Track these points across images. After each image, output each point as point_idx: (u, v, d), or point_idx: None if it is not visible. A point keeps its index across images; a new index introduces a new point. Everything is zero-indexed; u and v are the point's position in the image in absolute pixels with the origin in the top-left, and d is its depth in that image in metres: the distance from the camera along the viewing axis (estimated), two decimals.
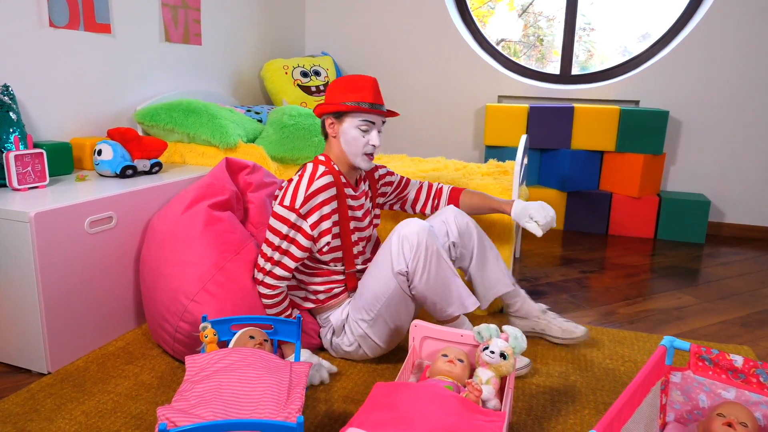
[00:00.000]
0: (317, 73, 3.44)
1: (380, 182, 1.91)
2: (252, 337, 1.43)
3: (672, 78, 3.40)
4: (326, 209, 1.63)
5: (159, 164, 2.20)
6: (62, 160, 2.08)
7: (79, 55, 2.26)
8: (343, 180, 1.71)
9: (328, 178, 1.63)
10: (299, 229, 1.61)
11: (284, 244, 1.61)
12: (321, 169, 1.64)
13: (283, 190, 1.64)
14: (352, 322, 1.67)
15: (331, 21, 3.97)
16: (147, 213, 1.94)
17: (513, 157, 3.46)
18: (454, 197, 1.98)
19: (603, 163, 3.42)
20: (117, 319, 1.88)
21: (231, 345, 1.43)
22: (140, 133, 2.52)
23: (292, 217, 1.59)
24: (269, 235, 1.62)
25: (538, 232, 1.79)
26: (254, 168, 1.97)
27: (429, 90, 3.87)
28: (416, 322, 1.50)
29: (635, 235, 3.38)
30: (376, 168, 1.92)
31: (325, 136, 1.73)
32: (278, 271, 1.62)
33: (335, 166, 1.70)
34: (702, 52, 3.32)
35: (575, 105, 3.37)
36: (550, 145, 3.39)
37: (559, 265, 2.81)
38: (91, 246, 1.74)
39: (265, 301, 1.65)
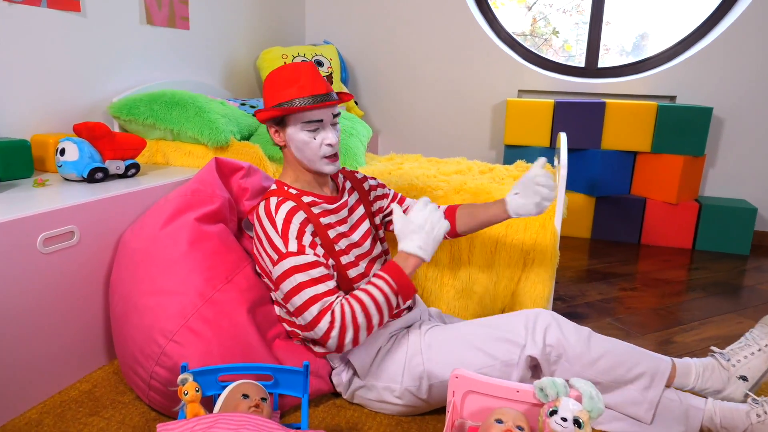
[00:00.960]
0: (320, 64, 3.10)
1: (372, 194, 1.61)
2: (245, 396, 1.09)
3: (713, 71, 3.07)
4: (309, 230, 1.34)
5: (136, 166, 1.85)
6: (19, 161, 1.73)
7: (42, 36, 1.91)
8: (308, 199, 1.40)
9: (286, 207, 1.33)
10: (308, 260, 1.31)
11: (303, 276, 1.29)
12: (273, 201, 1.34)
13: (265, 248, 1.34)
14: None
15: (335, 7, 3.63)
16: (119, 226, 1.60)
17: (535, 158, 3.13)
18: (451, 216, 1.61)
19: (636, 165, 3.09)
20: (82, 355, 1.54)
21: (218, 406, 1.09)
22: (116, 129, 2.17)
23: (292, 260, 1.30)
24: (287, 286, 1.29)
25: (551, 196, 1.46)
26: (250, 170, 1.63)
27: (442, 83, 3.53)
28: (458, 371, 1.16)
29: (671, 245, 3.05)
30: (365, 179, 1.62)
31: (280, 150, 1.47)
32: (324, 287, 1.28)
33: (293, 187, 1.42)
34: (747, 42, 3.00)
35: (606, 101, 3.04)
36: (577, 144, 3.06)
37: (594, 280, 2.48)
38: (46, 268, 1.40)
39: (361, 322, 1.27)
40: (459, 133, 3.57)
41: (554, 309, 2.07)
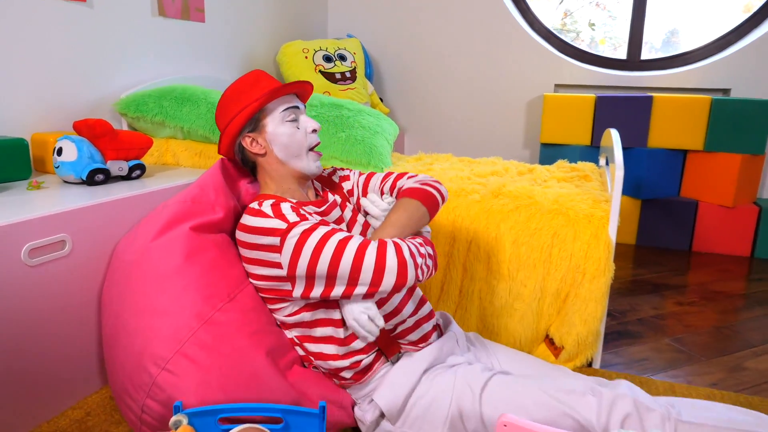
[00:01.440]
0: (342, 58, 2.91)
1: (345, 186, 1.45)
2: None
3: None
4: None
5: (141, 167, 1.69)
6: (16, 162, 1.58)
7: (44, 27, 1.76)
8: (301, 210, 1.24)
9: (270, 200, 1.20)
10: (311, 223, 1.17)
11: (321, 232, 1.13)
12: (254, 204, 1.20)
13: (260, 246, 1.18)
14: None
15: None
16: (119, 234, 1.43)
17: (574, 158, 2.90)
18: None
19: (687, 164, 2.84)
20: (74, 379, 1.37)
21: None
22: (124, 128, 2.01)
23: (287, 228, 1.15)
24: (307, 252, 1.12)
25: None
26: None
27: (472, 78, 3.32)
28: (506, 419, 0.96)
29: (727, 253, 2.79)
30: (333, 171, 1.47)
31: (251, 167, 1.34)
32: (354, 246, 1.11)
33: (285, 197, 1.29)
34: None
35: (653, 95, 2.79)
36: (622, 142, 2.81)
37: (644, 293, 2.24)
38: (32, 282, 1.24)
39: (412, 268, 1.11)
40: (490, 131, 3.35)
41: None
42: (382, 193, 1.40)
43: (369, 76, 3.13)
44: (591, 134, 2.88)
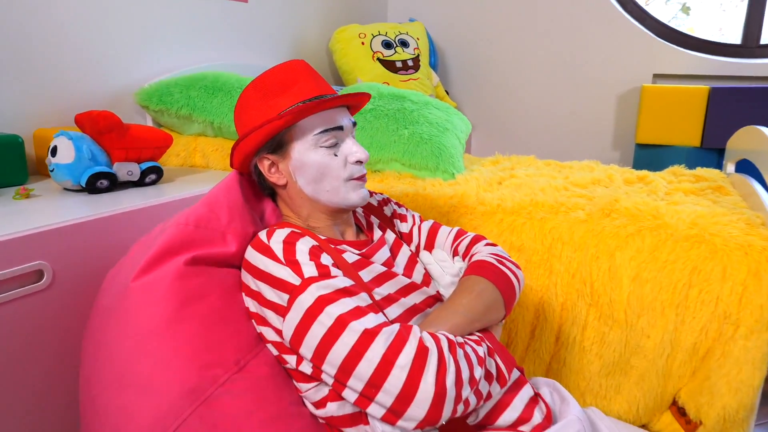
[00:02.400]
0: (404, 44, 2.54)
1: (399, 227, 1.12)
2: None
3: None
4: (326, 258, 0.86)
5: (157, 170, 1.37)
6: (9, 163, 1.30)
7: (52, 5, 1.47)
8: (330, 246, 0.90)
9: (284, 232, 0.86)
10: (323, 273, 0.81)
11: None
12: (263, 234, 0.88)
13: (267, 301, 0.84)
14: None
15: None
16: (116, 261, 1.11)
17: (679, 162, 2.41)
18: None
19: None
20: None
21: None
22: (149, 123, 1.71)
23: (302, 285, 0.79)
24: (318, 331, 0.76)
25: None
26: None
27: (553, 68, 2.87)
28: None
29: None
30: (385, 201, 1.14)
31: (271, 193, 1.01)
32: (377, 319, 0.77)
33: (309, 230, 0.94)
34: None
35: None
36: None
37: None
38: None
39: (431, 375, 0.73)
40: (573, 129, 2.90)
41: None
42: (455, 254, 1.04)
43: (433, 65, 2.75)
44: (702, 133, 2.39)
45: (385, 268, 0.92)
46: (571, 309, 1.29)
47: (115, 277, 0.92)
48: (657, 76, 2.71)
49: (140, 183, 1.35)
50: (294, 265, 0.80)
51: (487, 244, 1.01)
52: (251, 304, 0.86)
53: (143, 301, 0.84)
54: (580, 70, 2.82)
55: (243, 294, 0.89)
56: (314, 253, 0.82)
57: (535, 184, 1.51)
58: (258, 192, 1.05)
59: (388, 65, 2.45)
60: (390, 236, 1.02)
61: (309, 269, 0.79)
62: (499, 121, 3.05)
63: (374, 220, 1.04)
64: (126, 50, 1.68)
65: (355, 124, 0.94)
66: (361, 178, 0.93)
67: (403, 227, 1.08)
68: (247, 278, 0.86)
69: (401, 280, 0.91)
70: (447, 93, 2.84)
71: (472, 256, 0.98)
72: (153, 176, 1.37)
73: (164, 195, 1.30)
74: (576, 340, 1.28)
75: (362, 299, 0.79)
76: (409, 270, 0.98)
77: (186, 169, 1.63)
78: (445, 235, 1.06)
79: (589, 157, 2.85)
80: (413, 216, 1.11)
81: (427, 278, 0.98)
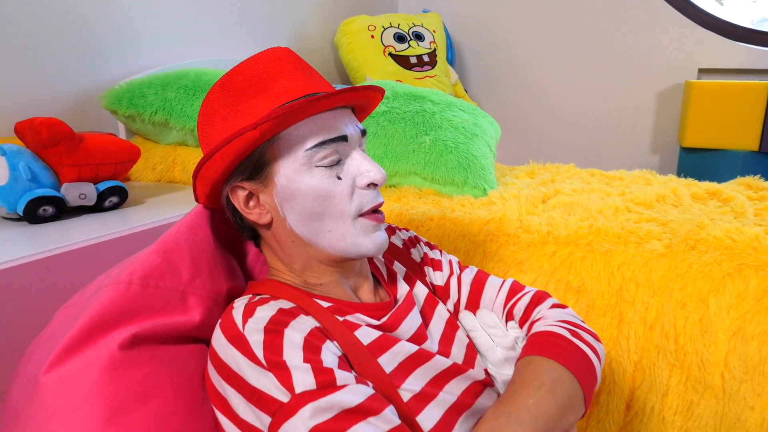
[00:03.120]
0: (419, 37, 2.26)
1: (431, 275, 0.81)
2: None
3: None
4: (330, 348, 0.58)
5: (119, 192, 1.10)
6: None
7: None
8: (337, 321, 0.63)
9: (267, 308, 0.59)
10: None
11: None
12: (238, 307, 0.61)
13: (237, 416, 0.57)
14: None
15: None
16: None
17: (733, 169, 2.12)
18: None
19: None
20: None
21: None
22: (121, 133, 1.44)
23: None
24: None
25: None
26: None
27: (583, 63, 2.58)
28: None
29: None
30: (412, 240, 0.85)
31: (253, 236, 0.71)
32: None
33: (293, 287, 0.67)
34: None
35: None
36: None
37: None
38: None
39: None
40: (606, 131, 2.60)
41: None
42: (508, 318, 0.76)
43: (451, 61, 2.46)
44: (761, 136, 2.09)
45: (415, 347, 0.63)
46: (647, 370, 1.00)
47: (29, 361, 0.64)
48: (703, 71, 2.41)
49: (98, 208, 1.08)
50: (280, 369, 0.52)
51: (554, 306, 0.73)
52: (217, 414, 0.58)
53: (56, 406, 0.57)
54: (614, 65, 2.52)
55: (209, 393, 0.61)
56: (312, 347, 0.54)
57: (590, 203, 1.22)
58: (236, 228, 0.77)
59: (402, 61, 2.16)
60: (421, 291, 0.73)
61: (303, 377, 0.51)
62: (523, 123, 2.75)
63: (398, 267, 0.76)
64: (92, 44, 1.40)
65: (364, 132, 0.67)
66: (377, 213, 0.64)
67: (437, 278, 0.80)
68: (212, 374, 0.58)
69: (439, 363, 0.63)
70: (466, 92, 2.55)
71: (534, 323, 0.70)
72: (114, 199, 1.09)
73: (129, 223, 1.03)
74: (654, 410, 0.99)
75: (386, 420, 0.51)
76: (447, 343, 0.69)
77: (162, 185, 1.36)
78: (494, 290, 0.78)
79: (625, 163, 2.56)
80: (450, 262, 0.82)
81: (471, 352, 0.70)
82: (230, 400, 0.55)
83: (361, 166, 0.63)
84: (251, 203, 0.64)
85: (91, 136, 1.06)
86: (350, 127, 0.64)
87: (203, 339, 0.67)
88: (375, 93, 0.68)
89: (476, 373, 0.67)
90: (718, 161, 2.19)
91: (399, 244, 0.81)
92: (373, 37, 2.17)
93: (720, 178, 2.20)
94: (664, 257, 1.01)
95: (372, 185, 0.63)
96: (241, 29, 1.90)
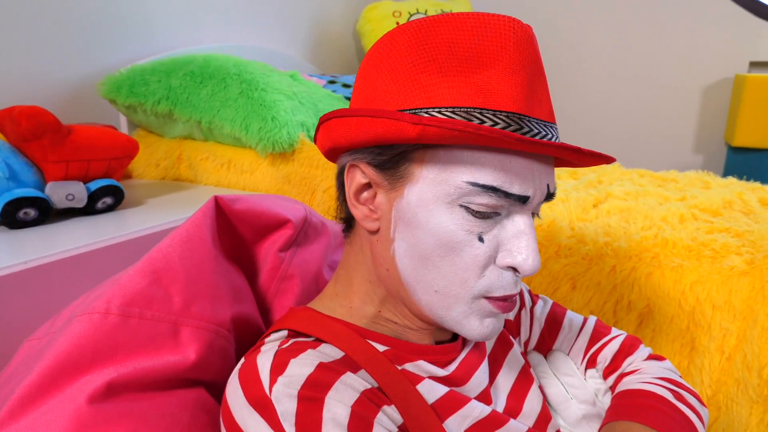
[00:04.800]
0: None
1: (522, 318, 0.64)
2: None
3: None
4: (383, 424, 0.42)
5: (114, 191, 0.97)
6: None
7: None
8: (396, 372, 0.46)
9: (304, 363, 0.42)
10: None
11: None
12: (304, 364, 0.43)
13: None
14: None
15: None
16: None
17: None
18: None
19: None
20: None
21: None
22: (123, 127, 1.31)
23: None
24: None
25: None
26: (308, 223, 0.67)
27: (621, 55, 2.41)
28: None
29: None
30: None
31: (347, 223, 0.52)
32: None
33: (346, 323, 0.50)
34: None
35: None
36: None
37: None
38: None
39: None
40: (646, 129, 2.43)
41: None
42: (589, 366, 0.62)
43: None
44: None
45: (488, 409, 0.49)
46: (724, 406, 0.86)
47: None
48: (755, 64, 2.23)
49: (89, 210, 0.95)
50: None
51: (651, 357, 0.58)
52: None
53: None
54: (657, 57, 2.35)
55: None
56: (361, 423, 0.40)
57: (649, 209, 1.06)
58: (239, 237, 0.63)
59: None
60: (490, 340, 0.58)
61: None
62: (560, 119, 2.59)
63: None
64: (91, 27, 1.27)
65: (552, 195, 0.47)
66: (504, 304, 0.46)
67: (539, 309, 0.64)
68: None
69: (512, 430, 0.49)
70: None
71: (624, 376, 0.56)
72: (108, 200, 0.96)
73: (126, 227, 0.90)
74: None
75: None
76: (517, 398, 0.54)
77: (167, 184, 1.23)
78: (574, 330, 0.62)
79: (666, 163, 2.39)
80: (520, 291, 0.64)
81: (546, 412, 0.55)
82: None
83: (518, 240, 0.44)
84: (364, 195, 0.48)
85: (80, 128, 0.93)
86: (540, 185, 0.45)
87: (201, 381, 0.54)
88: (604, 160, 0.48)
89: None
90: (764, 161, 2.01)
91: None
92: (398, 23, 2.02)
93: None
94: (746, 275, 0.86)
95: (513, 270, 0.45)
96: (255, 14, 1.76)
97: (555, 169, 1.41)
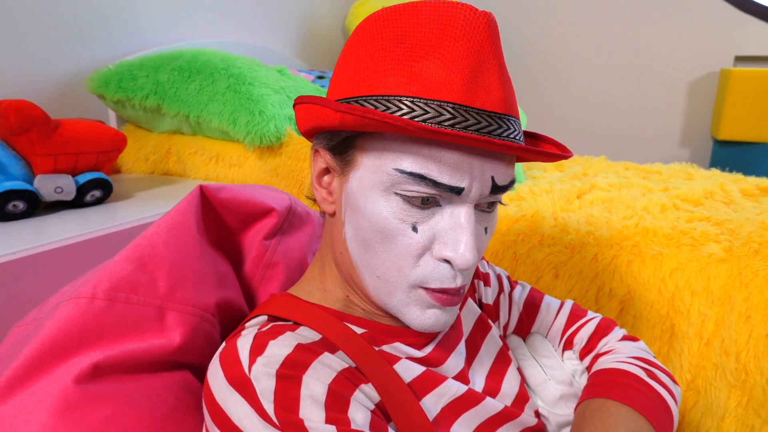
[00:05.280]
0: None
1: (479, 290, 0.64)
2: None
3: None
4: (359, 399, 0.43)
5: (102, 184, 0.98)
6: None
7: None
8: (373, 352, 0.48)
9: (283, 344, 0.44)
10: None
11: None
12: (283, 344, 0.44)
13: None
14: None
15: None
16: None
17: None
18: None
19: None
20: None
21: None
22: (112, 122, 1.32)
23: None
24: None
25: None
26: (292, 212, 0.68)
27: (609, 50, 2.43)
28: None
29: None
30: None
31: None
32: None
33: (324, 307, 0.51)
34: None
35: None
36: None
37: None
38: None
39: None
40: (634, 122, 2.45)
41: None
42: (566, 347, 0.63)
43: None
44: None
45: (464, 388, 0.50)
46: (702, 390, 0.88)
47: None
48: (740, 59, 2.26)
49: (77, 203, 0.96)
50: (295, 429, 0.39)
51: (625, 338, 0.60)
52: None
53: None
54: (644, 52, 2.37)
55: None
56: (338, 400, 0.41)
57: (632, 199, 1.08)
58: (224, 226, 0.64)
59: None
60: (469, 315, 0.60)
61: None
62: (548, 113, 2.60)
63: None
64: (78, 22, 1.28)
65: (507, 187, 0.46)
66: (446, 297, 0.46)
67: (488, 295, 0.64)
68: (207, 419, 0.45)
69: (488, 408, 0.50)
70: None
71: (599, 356, 0.57)
72: (96, 193, 0.97)
73: (114, 219, 0.91)
74: None
75: None
76: (496, 378, 0.56)
77: (155, 178, 1.24)
78: (551, 313, 0.64)
79: (654, 156, 2.42)
80: (499, 276, 0.66)
81: (524, 392, 0.57)
82: None
83: (452, 232, 0.44)
84: (325, 179, 0.50)
85: (68, 122, 0.94)
86: (481, 177, 0.43)
87: (185, 364, 0.55)
88: (559, 155, 0.46)
89: (528, 419, 0.54)
90: (755, 155, 2.04)
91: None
92: None
93: (757, 172, 2.06)
94: (724, 262, 0.88)
95: (446, 262, 0.45)
96: (243, 9, 1.77)
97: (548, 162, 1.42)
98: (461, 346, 0.54)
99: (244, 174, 1.18)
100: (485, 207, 0.46)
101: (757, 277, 0.85)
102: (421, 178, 0.42)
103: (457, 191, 0.43)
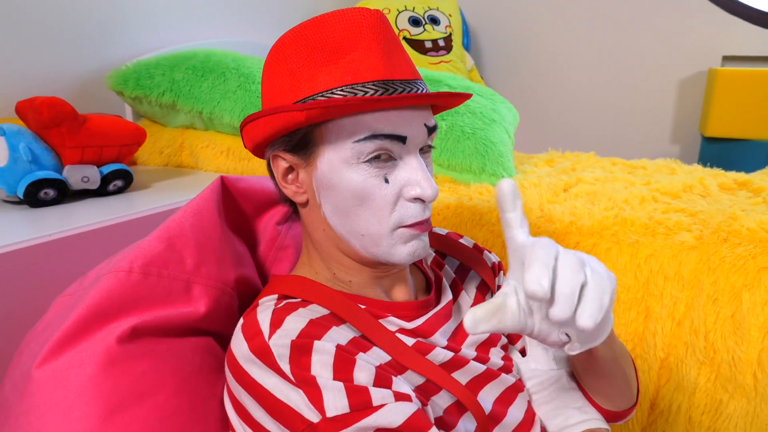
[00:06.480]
0: (435, 21, 2.19)
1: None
2: None
3: None
4: (365, 361, 0.51)
5: (123, 174, 1.06)
6: None
7: None
8: (375, 325, 0.57)
9: (296, 320, 0.53)
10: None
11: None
12: (265, 312, 0.55)
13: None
14: None
15: None
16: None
17: (758, 160, 2.05)
18: None
19: None
20: None
21: None
22: (128, 116, 1.40)
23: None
24: None
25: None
26: None
27: (601, 49, 2.50)
28: None
29: None
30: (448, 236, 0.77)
31: (294, 207, 0.64)
32: None
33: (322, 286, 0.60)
34: None
35: None
36: None
37: None
38: None
39: None
40: (625, 120, 2.52)
41: None
42: None
43: (466, 46, 2.40)
44: None
45: (450, 354, 0.59)
46: (674, 367, 0.96)
47: (23, 353, 0.61)
48: (728, 59, 2.33)
49: (101, 192, 1.04)
50: (310, 387, 0.47)
51: None
52: (233, 416, 0.54)
53: (48, 403, 0.53)
54: (635, 51, 2.45)
55: (225, 394, 0.57)
56: (344, 361, 0.49)
57: (614, 192, 1.16)
58: (241, 213, 0.72)
59: (416, 45, 2.10)
60: (464, 303, 0.68)
61: (334, 399, 0.47)
62: (540, 110, 2.68)
63: (447, 273, 0.70)
64: (98, 23, 1.36)
65: (433, 129, 0.57)
66: (420, 226, 0.56)
67: (501, 279, 0.74)
68: (231, 381, 0.54)
69: (473, 369, 0.59)
70: (482, 78, 2.49)
71: None
72: (119, 182, 1.05)
73: (134, 207, 0.99)
74: (681, 409, 0.95)
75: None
76: (484, 350, 0.65)
77: (170, 170, 1.32)
78: None
79: (644, 152, 2.49)
80: (494, 264, 0.75)
81: (510, 361, 0.65)
82: (250, 412, 0.51)
83: (412, 175, 0.55)
84: (290, 177, 0.59)
85: (94, 117, 1.02)
86: (414, 126, 0.55)
87: (209, 331, 0.63)
88: (459, 100, 0.59)
89: (509, 378, 0.63)
90: (742, 151, 2.11)
91: (470, 245, 0.75)
92: None
93: (744, 168, 2.13)
94: (695, 249, 0.96)
95: (418, 200, 0.55)
96: (251, 10, 1.84)
97: (533, 156, 1.51)
98: (449, 326, 0.63)
99: (253, 167, 1.25)
100: (426, 150, 0.58)
101: (724, 263, 0.93)
102: (374, 137, 0.53)
103: (402, 139, 0.54)
